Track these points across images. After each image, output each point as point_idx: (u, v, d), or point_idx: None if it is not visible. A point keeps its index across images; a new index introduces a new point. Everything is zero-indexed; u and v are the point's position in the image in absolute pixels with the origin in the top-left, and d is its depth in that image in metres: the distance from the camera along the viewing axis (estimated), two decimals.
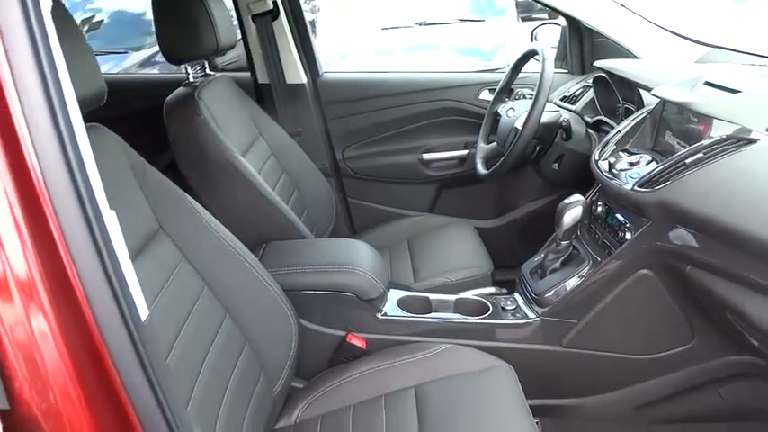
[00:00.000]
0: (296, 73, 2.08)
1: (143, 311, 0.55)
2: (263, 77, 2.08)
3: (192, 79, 1.60)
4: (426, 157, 2.21)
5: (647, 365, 1.41)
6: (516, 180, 2.11)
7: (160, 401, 0.54)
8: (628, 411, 1.46)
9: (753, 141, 1.09)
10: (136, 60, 4.16)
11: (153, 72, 4.02)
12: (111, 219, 0.53)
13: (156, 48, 4.37)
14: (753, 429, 1.44)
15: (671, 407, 1.44)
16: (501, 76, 1.99)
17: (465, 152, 2.20)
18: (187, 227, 1.14)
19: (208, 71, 1.69)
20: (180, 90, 1.56)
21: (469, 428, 1.14)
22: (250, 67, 2.11)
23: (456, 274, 1.74)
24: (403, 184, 2.25)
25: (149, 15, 4.90)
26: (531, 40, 2.39)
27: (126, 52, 4.20)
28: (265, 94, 2.08)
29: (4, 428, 0.47)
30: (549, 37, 2.35)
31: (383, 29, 4.84)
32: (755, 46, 1.78)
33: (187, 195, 1.17)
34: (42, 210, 0.48)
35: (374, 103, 2.19)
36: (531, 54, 1.78)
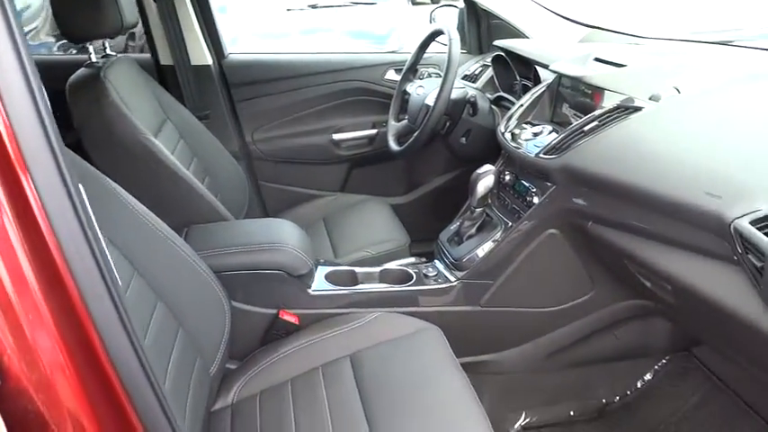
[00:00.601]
0: (201, 54, 2.02)
1: (119, 279, 0.54)
2: (165, 58, 2.00)
3: (94, 59, 1.51)
4: (336, 137, 2.24)
5: (555, 316, 1.56)
6: (424, 156, 2.21)
7: (142, 363, 0.55)
8: (541, 360, 1.61)
9: (638, 109, 1.25)
10: None
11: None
12: (81, 189, 0.52)
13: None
14: (643, 364, 1.64)
15: (577, 351, 1.60)
16: (404, 57, 2.07)
17: (374, 131, 2.26)
18: (109, 209, 1.09)
19: (108, 51, 1.61)
20: (83, 71, 1.47)
21: (408, 389, 1.19)
22: (151, 47, 2.02)
23: (375, 247, 1.80)
24: (314, 164, 2.27)
25: None
26: (430, 22, 2.48)
27: None
28: (168, 75, 2.01)
29: None
30: (446, 19, 2.46)
31: (288, 10, 4.77)
32: (629, 26, 1.98)
33: (104, 176, 1.12)
34: (19, 179, 0.46)
35: (282, 84, 2.18)
36: (436, 33, 1.86)
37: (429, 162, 2.23)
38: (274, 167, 2.25)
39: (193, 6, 1.99)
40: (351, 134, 2.25)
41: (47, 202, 0.48)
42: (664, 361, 1.65)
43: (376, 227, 1.94)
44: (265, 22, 4.65)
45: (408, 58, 2.02)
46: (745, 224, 0.88)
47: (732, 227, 0.89)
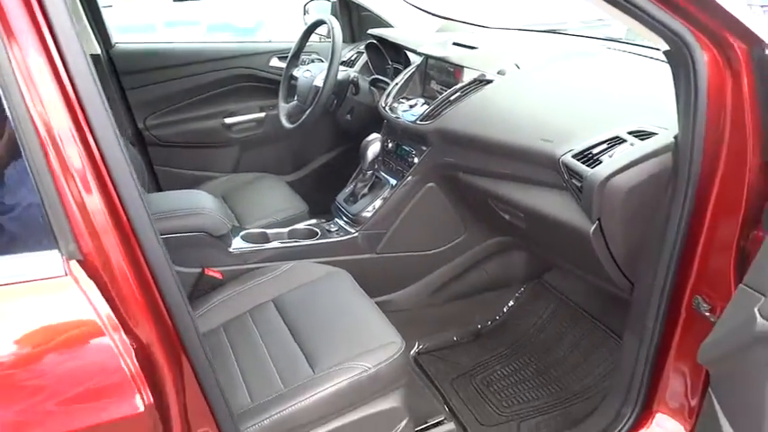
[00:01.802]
0: (89, 44, 2.07)
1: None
2: None
3: None
4: (228, 121, 2.39)
5: (436, 258, 1.87)
6: (311, 135, 2.43)
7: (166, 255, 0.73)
8: (427, 296, 1.92)
9: (490, 81, 1.60)
10: None
11: None
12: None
13: None
14: (507, 292, 2.02)
15: (454, 287, 1.93)
16: (284, 46, 2.27)
17: (262, 114, 2.44)
18: None
19: None
20: None
21: (330, 318, 1.40)
22: None
23: (278, 214, 1.98)
24: (208, 147, 2.41)
25: None
26: (304, 14, 2.71)
27: None
28: None
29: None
30: (320, 10, 2.70)
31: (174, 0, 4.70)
32: (476, 17, 2.36)
33: None
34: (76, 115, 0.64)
35: (171, 72, 2.28)
36: (318, 23, 2.10)
37: (316, 140, 2.47)
38: (168, 152, 2.35)
39: None
40: (241, 118, 2.41)
41: (96, 130, 0.66)
42: (522, 288, 2.03)
43: (275, 198, 2.13)
44: (127, 15, 4.55)
45: (288, 46, 2.23)
46: (569, 158, 1.24)
47: (560, 161, 1.25)
